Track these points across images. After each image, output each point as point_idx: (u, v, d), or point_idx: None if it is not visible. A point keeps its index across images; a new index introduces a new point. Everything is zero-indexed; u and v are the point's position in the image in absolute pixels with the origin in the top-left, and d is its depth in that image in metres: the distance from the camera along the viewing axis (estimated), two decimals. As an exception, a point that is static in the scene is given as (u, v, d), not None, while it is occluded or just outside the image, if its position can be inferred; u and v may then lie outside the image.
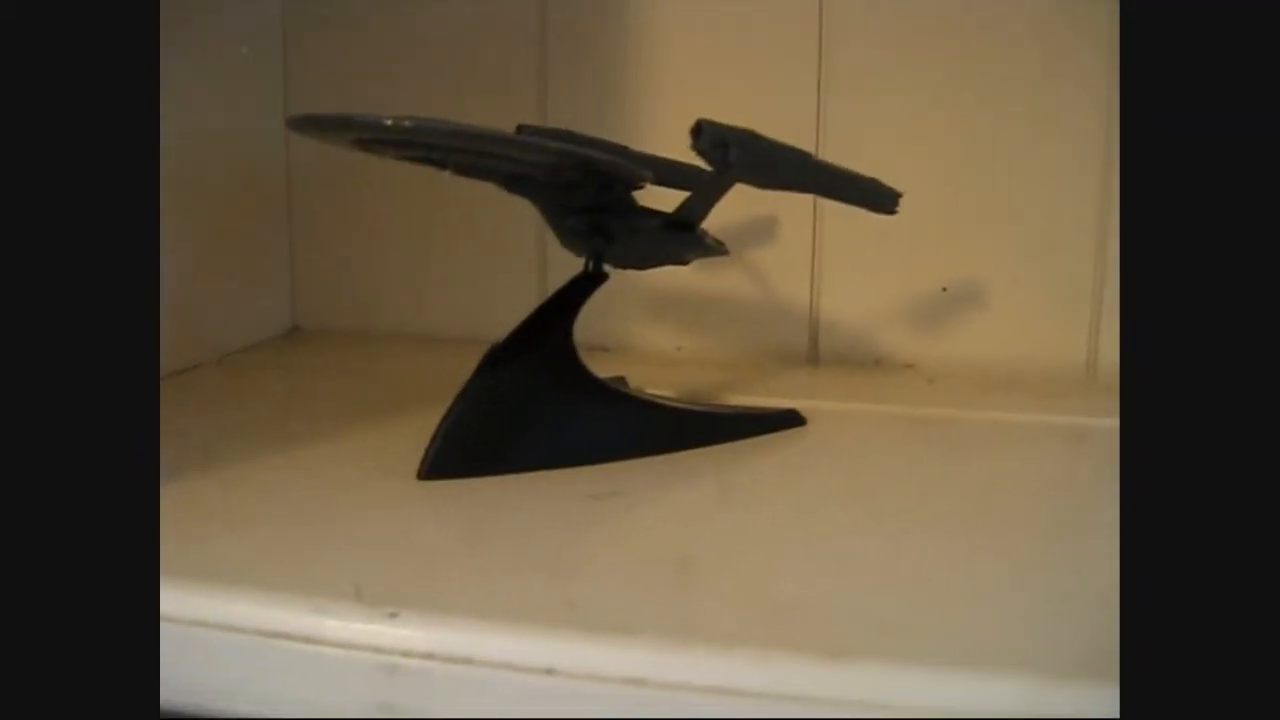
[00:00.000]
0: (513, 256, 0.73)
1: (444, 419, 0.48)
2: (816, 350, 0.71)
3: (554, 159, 0.44)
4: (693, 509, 0.46)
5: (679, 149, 0.49)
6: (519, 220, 0.71)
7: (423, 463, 0.47)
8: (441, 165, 0.47)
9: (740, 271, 0.71)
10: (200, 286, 0.68)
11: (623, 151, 0.50)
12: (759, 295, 0.71)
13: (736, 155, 0.47)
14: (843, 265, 0.70)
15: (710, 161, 0.48)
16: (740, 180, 0.49)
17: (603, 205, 0.49)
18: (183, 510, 0.44)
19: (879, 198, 0.53)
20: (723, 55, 0.69)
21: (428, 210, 0.74)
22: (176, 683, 0.37)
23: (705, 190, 0.50)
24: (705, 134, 0.47)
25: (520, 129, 0.52)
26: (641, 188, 0.47)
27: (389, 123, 0.40)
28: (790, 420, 0.55)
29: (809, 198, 0.69)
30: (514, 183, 0.49)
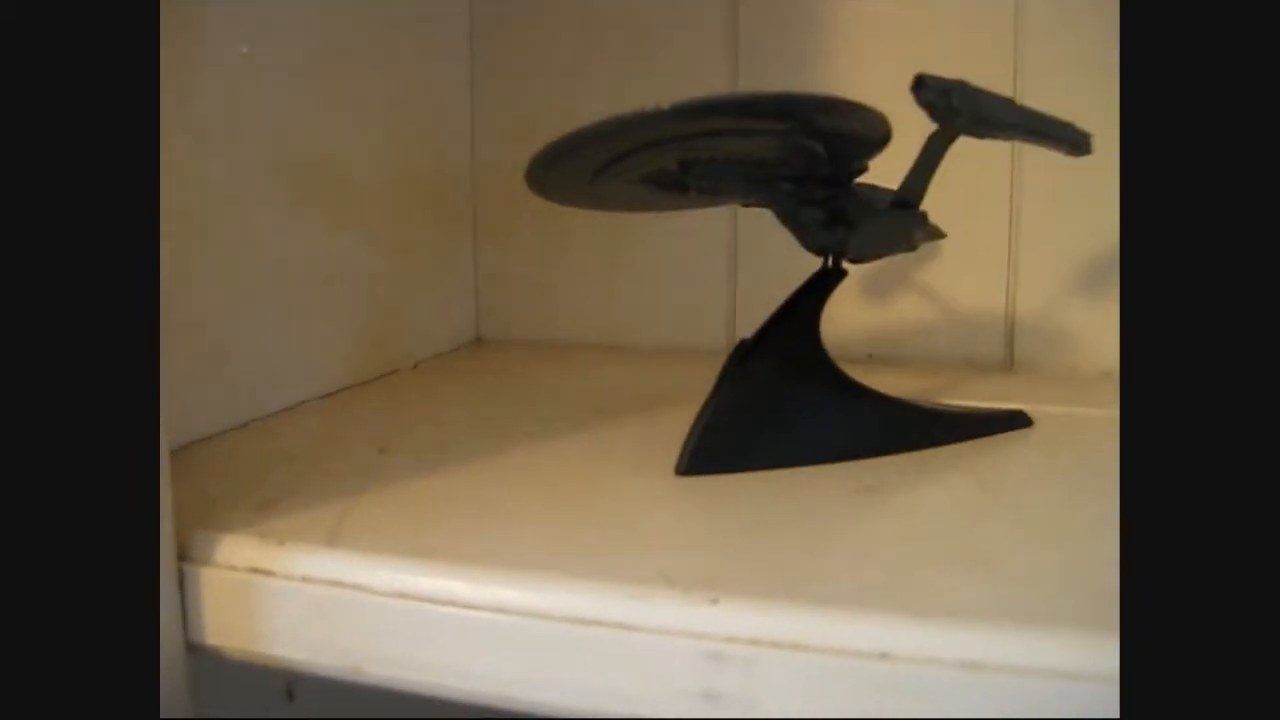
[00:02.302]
0: (700, 266, 0.73)
1: (699, 415, 0.47)
2: (1011, 356, 0.70)
3: (811, 104, 0.43)
4: (960, 500, 0.45)
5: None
6: (706, 229, 0.71)
7: (680, 458, 0.47)
8: (683, 188, 0.47)
9: (934, 276, 0.70)
10: (393, 295, 0.68)
11: None
12: (952, 300, 0.70)
13: (959, 101, 0.47)
14: (1038, 269, 0.69)
15: (935, 112, 0.47)
16: (961, 131, 0.48)
17: (837, 194, 0.48)
18: (446, 503, 0.44)
19: (1075, 138, 0.52)
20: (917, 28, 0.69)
21: (613, 220, 0.74)
22: (482, 671, 0.36)
23: (926, 154, 0.49)
24: (929, 85, 0.47)
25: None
26: (883, 146, 0.46)
27: (655, 110, 0.40)
28: (1019, 421, 0.55)
29: (1004, 197, 0.68)
30: (755, 185, 0.48)
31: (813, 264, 0.51)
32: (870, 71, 0.68)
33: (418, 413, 0.60)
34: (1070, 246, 0.68)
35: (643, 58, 0.73)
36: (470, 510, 0.43)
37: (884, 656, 0.33)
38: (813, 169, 0.47)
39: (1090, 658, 0.32)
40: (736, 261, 0.71)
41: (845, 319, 0.71)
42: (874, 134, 0.45)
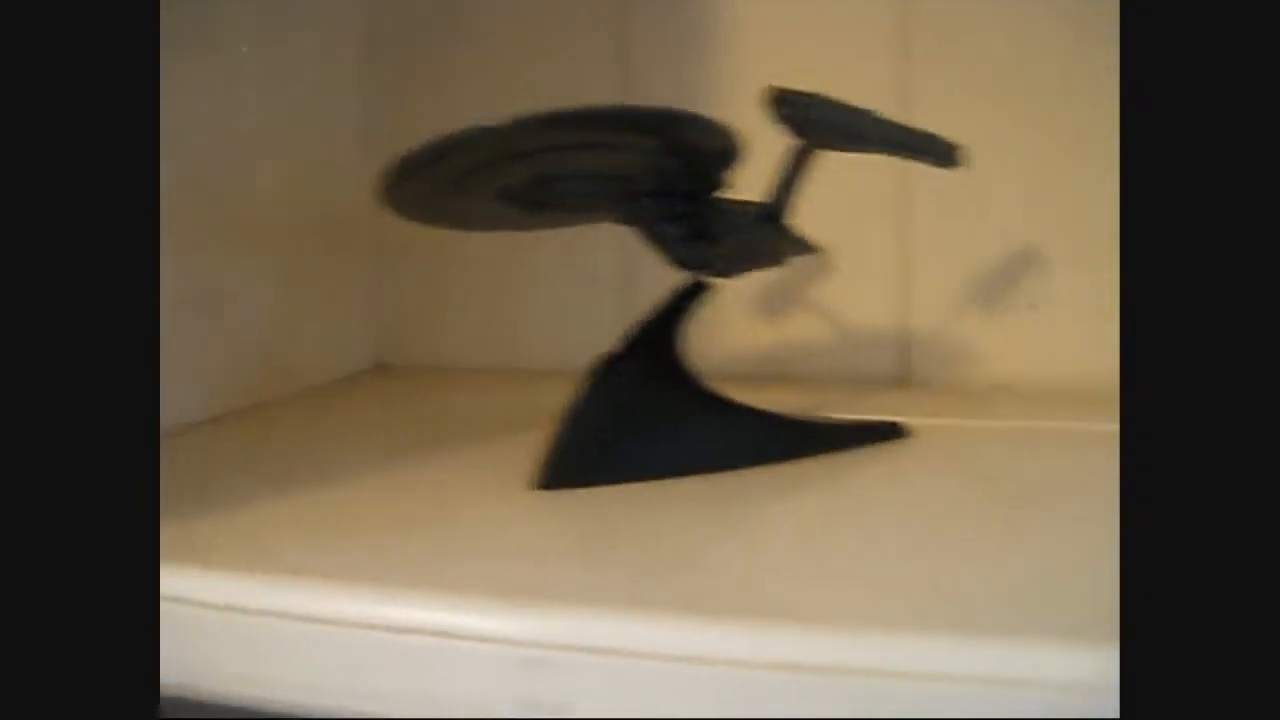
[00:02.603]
0: (597, 289, 0.73)
1: (558, 429, 0.48)
2: (908, 371, 0.70)
3: (656, 118, 0.44)
4: (813, 510, 0.46)
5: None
6: (603, 251, 0.72)
7: (540, 472, 0.47)
8: (541, 205, 0.48)
9: (828, 292, 0.70)
10: (289, 322, 0.68)
11: None
12: (847, 317, 0.71)
13: (816, 115, 0.47)
14: (932, 285, 0.69)
15: (792, 127, 0.48)
16: (820, 145, 0.49)
17: (699, 209, 0.49)
18: (304, 522, 0.44)
19: (943, 151, 0.53)
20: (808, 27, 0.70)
21: (511, 244, 0.74)
22: (317, 683, 0.37)
23: (787, 168, 0.49)
24: (784, 100, 0.47)
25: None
26: (735, 160, 0.46)
27: (495, 124, 0.40)
28: (893, 432, 0.55)
29: (895, 215, 0.69)
30: (615, 201, 0.49)
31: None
32: (760, 78, 0.69)
33: (303, 436, 0.60)
34: (961, 261, 0.69)
35: (537, 82, 0.74)
36: (324, 530, 0.44)
37: (698, 660, 0.33)
38: (671, 185, 0.48)
39: (910, 657, 0.32)
40: (631, 283, 0.72)
41: (741, 335, 0.71)
42: (724, 148, 0.45)
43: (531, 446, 0.48)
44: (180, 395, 0.59)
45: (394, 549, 0.41)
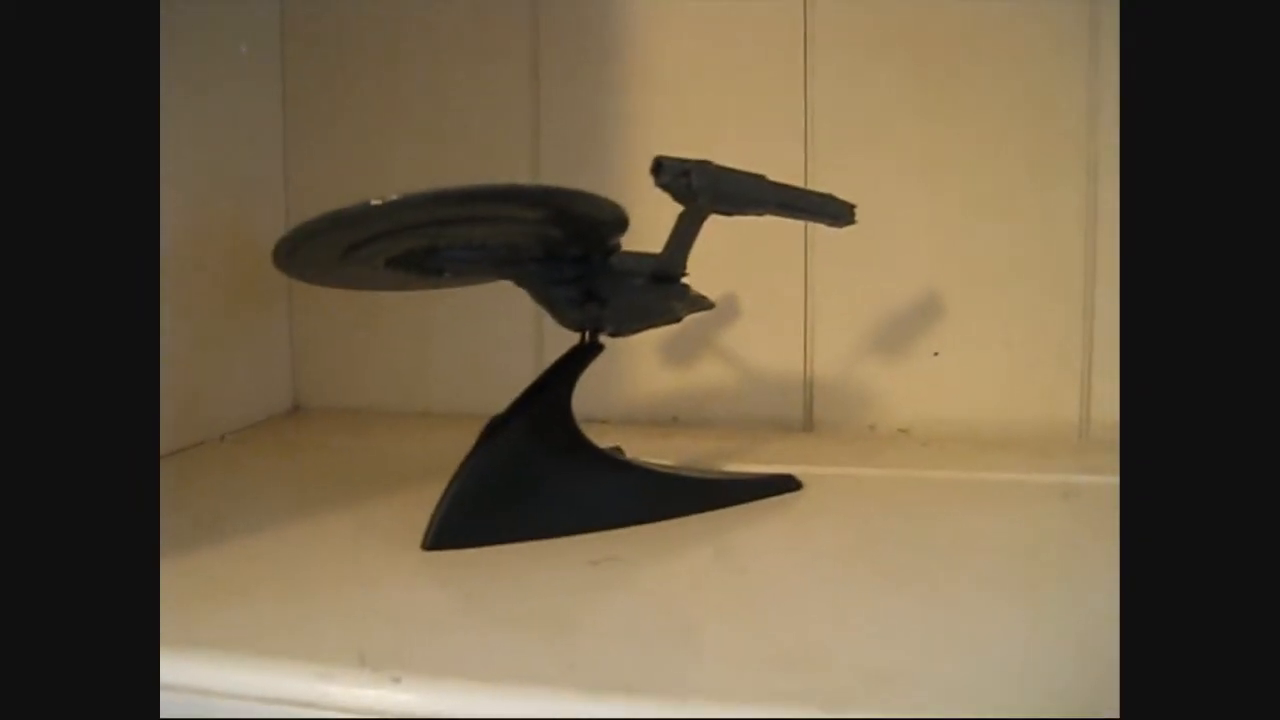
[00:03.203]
0: (510, 334, 0.75)
1: (446, 490, 0.49)
2: (811, 417, 0.72)
3: (539, 196, 0.45)
4: (690, 572, 0.47)
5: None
6: (515, 298, 0.73)
7: (426, 534, 0.48)
8: (439, 271, 0.49)
9: (734, 340, 0.72)
10: (200, 366, 0.69)
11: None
12: (752, 363, 0.72)
13: (699, 182, 0.48)
14: (835, 331, 0.71)
15: (675, 193, 0.49)
16: (708, 209, 0.50)
17: (589, 271, 0.50)
18: (187, 582, 0.45)
19: (836, 210, 0.54)
20: (710, 97, 0.71)
21: (426, 291, 0.75)
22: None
23: (679, 230, 0.51)
24: (665, 168, 0.48)
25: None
26: (623, 229, 0.48)
27: (375, 203, 0.41)
28: (787, 485, 0.56)
29: (799, 264, 0.70)
30: (505, 266, 0.50)
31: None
32: (666, 126, 0.71)
33: (204, 488, 0.60)
34: (864, 309, 0.70)
35: (450, 122, 0.75)
36: (208, 590, 0.44)
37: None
38: (558, 250, 0.49)
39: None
40: (543, 328, 0.73)
41: (650, 382, 0.73)
42: (611, 218, 0.47)
43: (430, 499, 0.49)
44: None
45: (278, 614, 0.42)
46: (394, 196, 0.41)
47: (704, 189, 0.49)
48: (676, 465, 0.57)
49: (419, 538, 0.48)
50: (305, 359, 0.79)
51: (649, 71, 0.72)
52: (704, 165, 0.49)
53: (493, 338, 0.75)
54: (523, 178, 0.73)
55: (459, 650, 0.38)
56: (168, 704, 0.37)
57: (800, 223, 0.69)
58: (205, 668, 0.38)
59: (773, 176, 0.52)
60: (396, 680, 0.36)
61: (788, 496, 0.56)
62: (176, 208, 0.66)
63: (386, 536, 0.50)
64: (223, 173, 0.71)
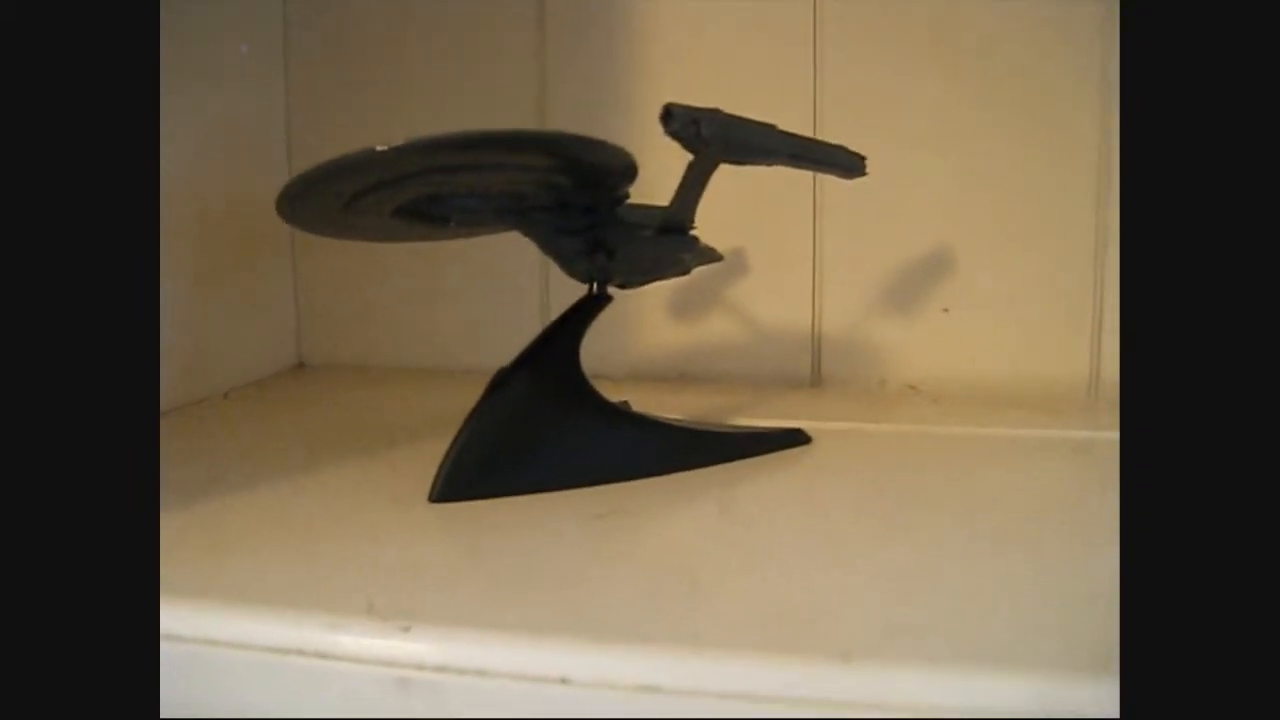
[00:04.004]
0: (516, 288, 0.74)
1: (453, 443, 0.48)
2: (819, 373, 0.71)
3: (546, 142, 0.44)
4: (697, 525, 0.46)
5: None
6: (522, 253, 0.72)
7: (433, 486, 0.48)
8: (445, 220, 0.48)
9: (742, 295, 0.71)
10: (205, 322, 0.68)
11: None
12: (761, 318, 0.71)
13: (709, 130, 0.48)
14: (844, 287, 0.70)
15: (685, 142, 0.48)
16: (717, 158, 0.49)
17: (597, 222, 0.49)
18: (193, 533, 0.45)
19: (847, 161, 0.54)
20: (719, 53, 0.70)
21: (430, 243, 0.74)
22: (188, 701, 0.37)
23: (688, 180, 0.50)
24: (676, 116, 0.47)
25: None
26: (632, 178, 0.47)
27: (380, 149, 0.41)
28: (795, 439, 0.56)
29: (808, 218, 0.70)
30: (511, 215, 0.49)
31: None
32: (678, 73, 0.70)
33: (210, 443, 0.60)
34: (873, 264, 0.70)
35: (454, 76, 0.74)
36: (214, 542, 0.44)
37: (563, 681, 0.34)
38: (566, 199, 0.48)
39: (762, 681, 0.33)
40: (549, 283, 0.72)
41: (658, 337, 0.72)
42: (618, 165, 0.46)
43: (436, 453, 0.49)
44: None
45: (285, 566, 0.41)
46: (399, 142, 0.41)
47: (714, 137, 0.48)
48: (684, 419, 0.56)
49: (425, 491, 0.48)
50: (310, 316, 0.79)
51: (657, 23, 0.71)
52: (714, 113, 0.49)
53: (499, 293, 0.75)
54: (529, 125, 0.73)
55: (467, 600, 0.38)
56: (173, 654, 0.37)
57: (810, 176, 0.68)
58: (210, 618, 0.37)
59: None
60: (406, 629, 0.36)
61: (796, 451, 0.56)
62: (178, 163, 0.65)
63: (392, 490, 0.49)
64: (224, 126, 0.71)
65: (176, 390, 0.66)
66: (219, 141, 0.70)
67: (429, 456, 0.49)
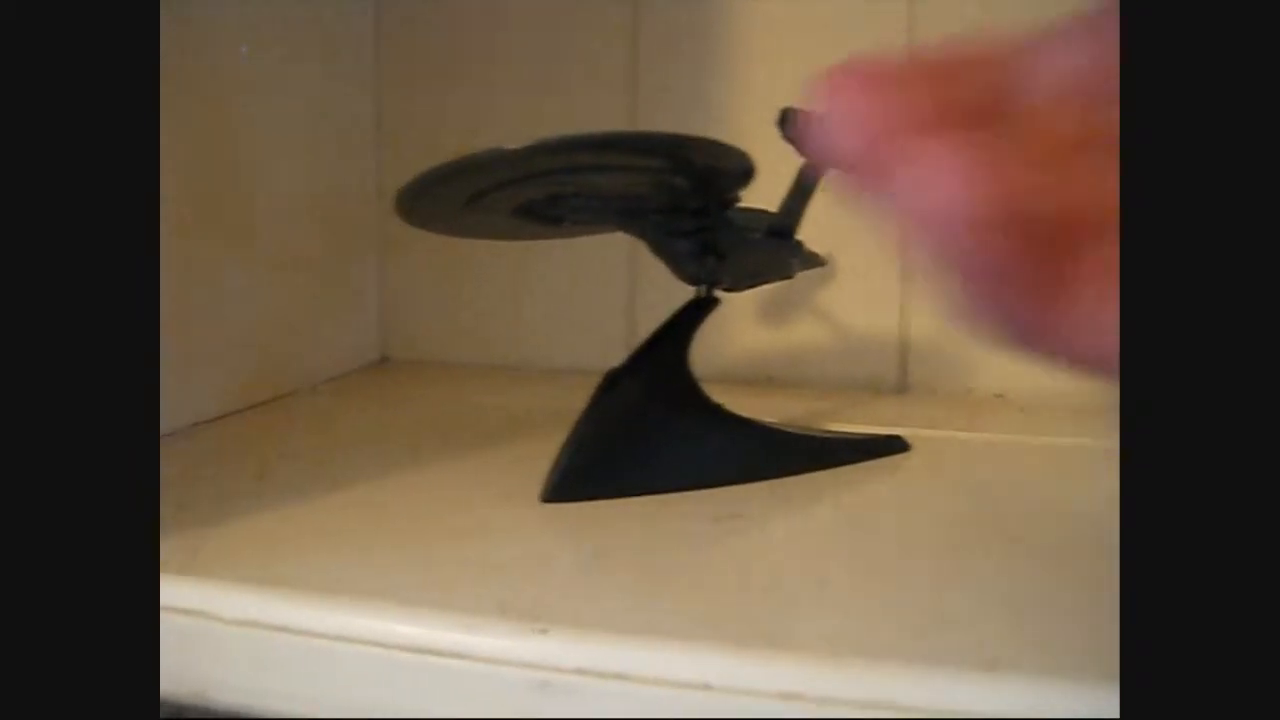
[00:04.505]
0: (601, 287, 0.74)
1: (566, 442, 0.48)
2: (905, 378, 0.71)
3: (674, 144, 0.44)
4: (816, 529, 0.46)
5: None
6: (608, 252, 0.72)
7: (546, 486, 0.48)
8: (558, 220, 0.48)
9: (829, 299, 0.71)
10: (292, 315, 0.69)
11: None
12: (847, 323, 0.71)
13: None
14: (931, 292, 0.70)
15: (798, 144, 0.48)
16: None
17: (708, 224, 0.49)
18: (307, 529, 0.45)
19: None
20: (812, 55, 0.70)
21: (517, 241, 0.75)
22: (321, 699, 0.37)
23: (799, 185, 0.50)
24: (795, 119, 0.47)
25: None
26: (748, 181, 0.47)
27: (511, 148, 0.41)
28: (894, 446, 0.56)
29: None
30: (625, 217, 0.49)
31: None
32: (769, 80, 0.70)
33: (305, 438, 0.60)
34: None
35: (546, 72, 0.74)
36: (329, 539, 0.44)
37: (705, 687, 0.34)
38: (681, 201, 0.48)
39: (906, 691, 0.33)
40: (635, 283, 0.72)
41: (744, 341, 0.72)
42: (737, 169, 0.46)
43: (535, 452, 0.49)
44: (186, 394, 0.59)
45: (406, 563, 0.41)
46: (529, 142, 0.41)
47: None
48: (785, 423, 0.56)
49: (530, 490, 0.48)
50: (394, 311, 0.79)
51: (750, 24, 0.71)
52: None
53: (584, 292, 0.75)
54: (619, 122, 0.72)
55: (601, 602, 0.38)
56: (303, 651, 0.37)
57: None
58: (344, 615, 0.37)
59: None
60: (543, 632, 0.35)
61: (895, 458, 0.55)
62: (270, 158, 0.66)
63: (498, 489, 0.49)
64: (314, 121, 0.71)
65: (266, 383, 0.66)
66: (307, 134, 0.70)
67: (529, 456, 0.49)
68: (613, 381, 0.49)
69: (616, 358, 0.72)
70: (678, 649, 0.35)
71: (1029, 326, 0.27)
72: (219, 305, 0.62)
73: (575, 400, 0.64)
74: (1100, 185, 0.27)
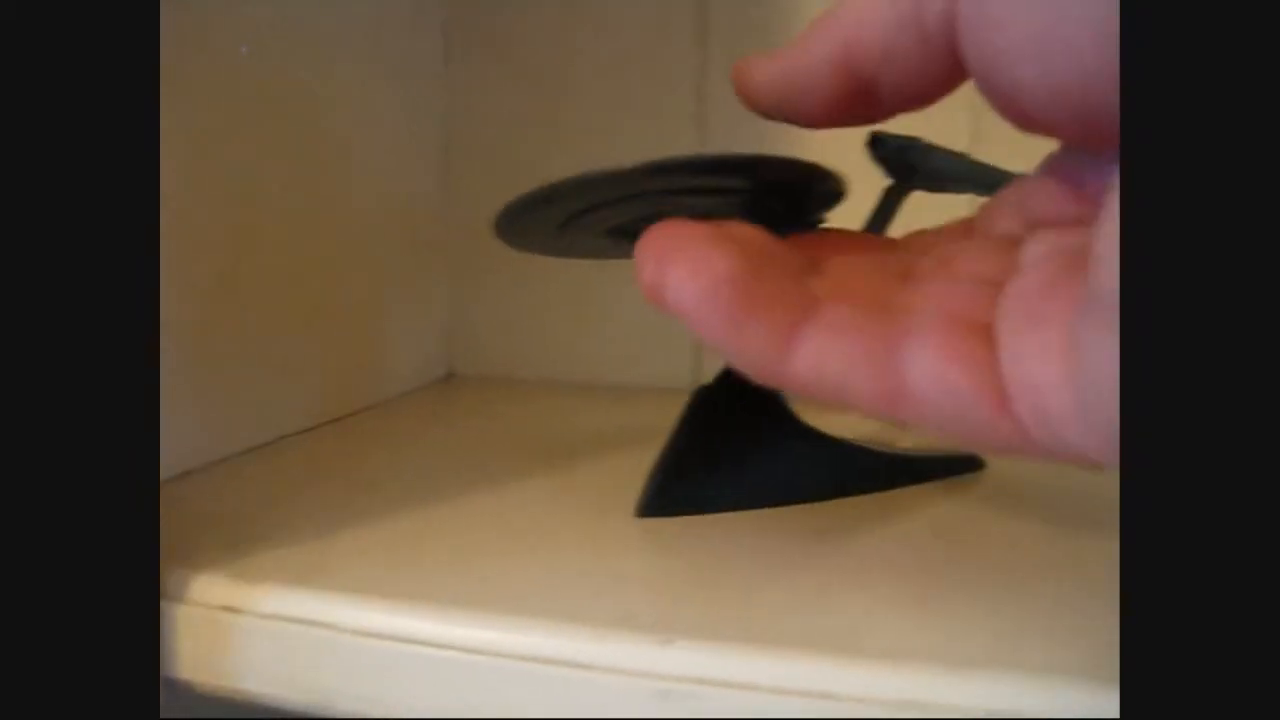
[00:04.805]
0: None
1: (659, 457, 0.49)
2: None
3: (783, 166, 0.45)
4: (911, 545, 0.47)
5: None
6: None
7: (641, 500, 0.49)
8: (634, 236, 0.49)
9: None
10: (363, 331, 0.70)
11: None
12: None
13: (915, 158, 0.49)
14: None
15: (887, 167, 0.49)
16: (914, 186, 0.50)
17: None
18: (415, 543, 0.46)
19: None
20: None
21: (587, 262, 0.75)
22: (446, 708, 0.38)
23: (882, 208, 0.51)
24: (884, 142, 0.49)
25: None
26: (837, 203, 0.48)
27: (606, 171, 0.42)
28: (973, 464, 0.56)
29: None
30: None
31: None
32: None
33: (390, 451, 0.61)
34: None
35: (615, 91, 0.75)
36: (438, 550, 0.45)
37: (826, 696, 0.35)
38: (772, 222, 0.49)
39: (1023, 703, 0.34)
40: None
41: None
42: (831, 191, 0.47)
43: (615, 468, 0.49)
44: (269, 409, 0.61)
45: (517, 575, 0.42)
46: (621, 167, 0.42)
47: (921, 167, 0.49)
48: (867, 440, 0.57)
49: (620, 505, 0.49)
50: (460, 326, 0.80)
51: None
52: (918, 142, 0.50)
53: (651, 310, 0.75)
54: (688, 138, 0.73)
55: (719, 613, 0.39)
56: (428, 660, 0.38)
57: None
58: (464, 626, 0.38)
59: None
60: (666, 642, 0.36)
61: (974, 475, 0.56)
62: (344, 175, 0.67)
63: (589, 503, 0.50)
64: (383, 136, 0.72)
65: (343, 398, 0.67)
66: (377, 152, 0.71)
67: (610, 471, 0.50)
68: (705, 397, 0.50)
69: (683, 376, 0.73)
70: (799, 659, 0.36)
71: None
72: (302, 319, 0.63)
73: (645, 418, 0.65)
74: None
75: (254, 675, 0.41)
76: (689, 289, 0.34)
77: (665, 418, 0.51)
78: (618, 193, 0.45)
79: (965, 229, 0.41)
